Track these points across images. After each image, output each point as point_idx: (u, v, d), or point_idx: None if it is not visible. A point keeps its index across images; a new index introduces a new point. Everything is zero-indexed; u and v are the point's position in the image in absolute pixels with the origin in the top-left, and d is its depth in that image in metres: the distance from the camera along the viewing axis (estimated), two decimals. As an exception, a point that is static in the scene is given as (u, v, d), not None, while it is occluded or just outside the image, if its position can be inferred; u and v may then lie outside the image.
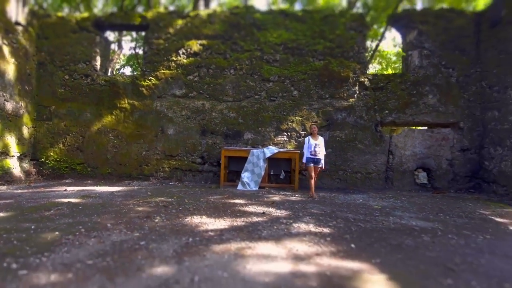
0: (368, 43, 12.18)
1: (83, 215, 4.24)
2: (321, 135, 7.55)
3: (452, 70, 8.26)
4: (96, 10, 17.76)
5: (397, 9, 11.95)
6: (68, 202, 5.16)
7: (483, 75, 8.03)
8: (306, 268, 2.60)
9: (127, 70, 19.06)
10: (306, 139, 6.49)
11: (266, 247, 3.12)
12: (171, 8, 20.34)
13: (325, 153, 6.54)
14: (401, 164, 8.26)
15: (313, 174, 6.32)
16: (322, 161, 6.39)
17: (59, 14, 8.92)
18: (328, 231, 3.83)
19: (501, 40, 7.51)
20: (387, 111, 8.29)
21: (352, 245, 3.28)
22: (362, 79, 8.34)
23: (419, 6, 20.33)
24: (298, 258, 2.83)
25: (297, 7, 20.12)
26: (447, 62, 8.27)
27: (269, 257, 2.82)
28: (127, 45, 19.29)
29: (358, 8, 16.24)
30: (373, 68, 17.40)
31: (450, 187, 8.09)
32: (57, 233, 3.42)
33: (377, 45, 13.09)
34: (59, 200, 5.32)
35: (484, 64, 8.02)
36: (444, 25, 8.39)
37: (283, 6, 17.45)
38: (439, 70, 8.27)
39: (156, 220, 4.06)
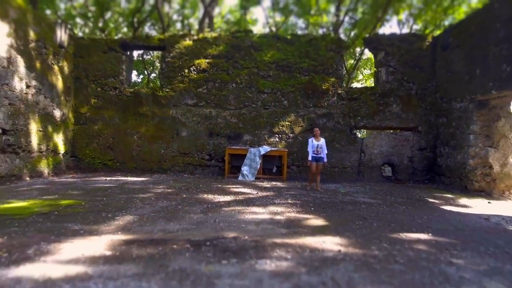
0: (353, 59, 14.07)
1: (132, 194, 6.03)
2: (308, 138, 9.34)
3: (412, 84, 10.05)
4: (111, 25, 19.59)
5: (375, 30, 13.81)
6: (116, 185, 6.96)
7: (437, 89, 9.82)
8: (279, 217, 4.41)
9: (133, 73, 20.83)
10: (310, 140, 7.70)
11: (257, 209, 4.94)
12: (178, 25, 22.16)
13: (326, 152, 8.01)
14: (371, 160, 10.06)
15: (314, 170, 7.56)
16: (325, 159, 7.89)
17: (92, 36, 10.70)
18: (299, 202, 5.64)
19: (448, 61, 9.29)
20: (359, 118, 10.08)
21: (312, 209, 5.09)
22: (340, 91, 10.13)
23: (395, 27, 22.38)
24: (275, 213, 4.64)
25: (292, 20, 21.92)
26: (408, 77, 10.06)
27: (258, 213, 4.63)
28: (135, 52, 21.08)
29: (345, 24, 18.08)
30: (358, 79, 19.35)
31: (409, 179, 9.89)
32: (122, 202, 5.22)
33: (358, 61, 14.90)
34: (107, 185, 7.12)
35: (438, 79, 9.81)
36: (406, 47, 10.17)
37: (274, 29, 19.30)
38: (401, 84, 10.06)
39: (184, 196, 5.87)
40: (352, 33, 19.60)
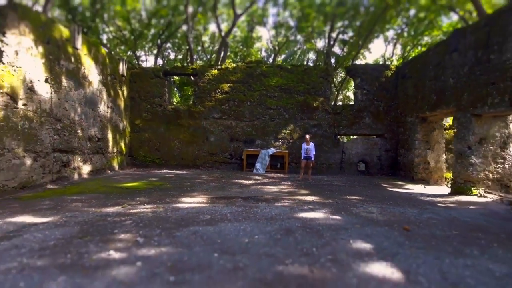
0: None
1: (186, 180, 9.26)
2: (301, 142, 12.51)
3: (380, 102, 13.23)
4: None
5: (358, 55, 17.05)
6: (173, 175, 10.19)
7: (398, 106, 12.99)
8: (283, 190, 7.66)
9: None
10: (303, 144, 11.03)
11: (270, 186, 8.19)
12: (199, 47, 25.33)
13: (314, 153, 11.11)
14: (350, 159, 13.27)
15: (303, 166, 10.90)
16: (312, 158, 11.00)
17: (143, 66, 13.92)
18: (295, 184, 8.89)
19: (405, 87, 12.45)
20: (341, 127, 13.27)
21: (302, 187, 8.34)
22: (327, 108, 13.33)
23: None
24: (281, 188, 7.89)
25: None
26: (377, 97, 13.24)
27: (271, 188, 7.88)
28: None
29: (334, 48, 21.25)
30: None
31: (378, 172, 13.08)
32: (188, 183, 8.45)
33: (342, 84, 18.10)
34: (167, 175, 10.35)
35: (398, 100, 12.98)
36: (376, 74, 13.35)
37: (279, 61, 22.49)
38: (372, 102, 13.25)
39: (223, 180, 9.12)
40: (342, 53, 22.89)
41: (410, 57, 21.00)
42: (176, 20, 20.96)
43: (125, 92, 13.04)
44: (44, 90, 7.62)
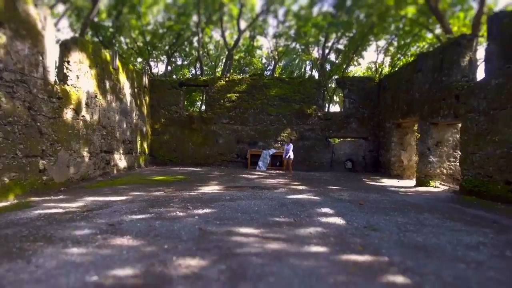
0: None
1: (203, 175, 11.28)
2: (287, 145, 14.53)
3: (365, 110, 15.23)
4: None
5: (349, 66, 19.07)
6: (190, 171, 12.22)
7: (379, 113, 14.99)
8: (281, 181, 9.71)
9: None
10: (285, 146, 13.23)
11: (270, 179, 10.24)
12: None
13: (292, 153, 13.20)
14: (338, 158, 15.28)
15: (285, 163, 12.96)
16: (291, 157, 13.07)
17: (161, 78, 15.94)
18: (291, 178, 10.92)
19: (385, 97, 14.42)
20: (331, 131, 15.28)
21: (296, 180, 10.37)
22: (319, 114, 15.33)
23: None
24: (280, 182, 9.94)
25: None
26: (363, 106, 15.24)
27: (271, 181, 9.92)
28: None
29: (328, 59, 23.22)
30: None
31: (362, 170, 15.08)
32: (204, 177, 10.48)
33: (335, 90, 20.12)
34: (185, 171, 12.37)
35: (380, 108, 14.97)
36: (362, 86, 15.35)
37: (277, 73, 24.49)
38: (358, 110, 15.25)
39: (232, 175, 11.15)
40: (338, 59, 24.94)
41: (398, 66, 23.07)
42: (185, 33, 23.02)
43: (147, 101, 15.07)
44: (95, 104, 9.65)
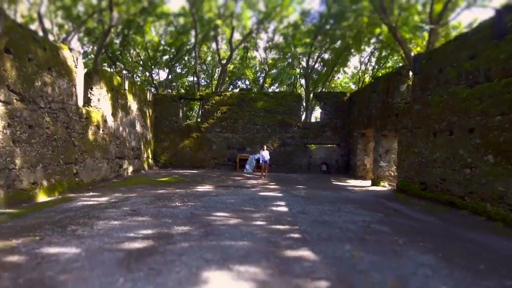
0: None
1: (198, 176, 13.48)
2: (270, 151, 16.73)
3: (338, 120, 17.46)
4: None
5: (333, 78, 21.32)
6: (188, 174, 14.40)
7: (350, 124, 17.22)
8: (260, 182, 11.93)
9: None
10: (261, 151, 15.39)
11: (253, 180, 12.46)
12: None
13: (269, 158, 15.35)
14: (315, 162, 17.50)
15: (263, 167, 15.15)
16: (268, 162, 15.23)
17: (163, 93, 18.13)
18: (269, 180, 13.13)
19: (354, 110, 16.64)
20: (309, 138, 17.50)
21: (274, 180, 12.58)
22: (299, 124, 17.55)
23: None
24: (259, 182, 12.17)
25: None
26: (336, 117, 17.47)
27: (252, 182, 12.14)
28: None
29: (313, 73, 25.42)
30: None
31: (335, 172, 17.29)
32: (200, 178, 12.68)
33: (314, 106, 22.36)
34: (183, 173, 14.55)
35: (350, 119, 17.20)
36: (335, 99, 17.58)
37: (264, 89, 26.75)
38: (332, 120, 17.48)
39: (222, 177, 13.37)
40: (322, 69, 27.22)
41: (377, 76, 25.35)
42: (184, 47, 25.20)
43: (151, 112, 17.25)
44: (111, 120, 11.83)
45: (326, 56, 25.56)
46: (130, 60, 26.91)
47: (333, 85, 31.94)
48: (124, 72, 15.82)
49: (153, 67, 25.90)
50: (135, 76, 28.73)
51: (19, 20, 17.49)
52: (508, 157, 5.97)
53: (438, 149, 8.27)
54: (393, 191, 10.72)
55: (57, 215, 5.89)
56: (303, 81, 29.72)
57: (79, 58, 9.62)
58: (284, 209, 6.96)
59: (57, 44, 8.83)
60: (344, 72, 30.39)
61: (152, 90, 27.81)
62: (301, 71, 25.53)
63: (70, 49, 9.27)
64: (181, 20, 22.33)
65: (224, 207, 7.00)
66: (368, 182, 13.69)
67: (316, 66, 26.02)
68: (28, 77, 7.32)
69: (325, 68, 23.84)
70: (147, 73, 27.06)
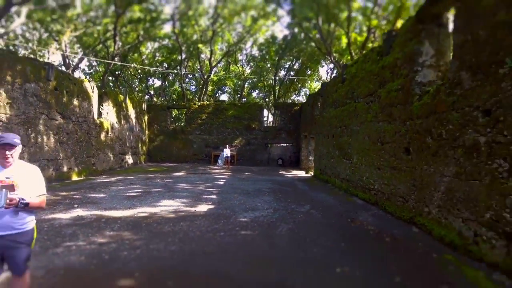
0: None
1: (177, 167, 17.74)
2: (232, 150, 21.02)
3: (291, 125, 21.80)
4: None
5: (291, 93, 25.72)
6: (174, 165, 18.66)
7: (300, 128, 21.55)
8: (222, 171, 16.25)
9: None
10: (224, 150, 19.71)
11: (218, 170, 16.77)
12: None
13: (230, 154, 19.70)
14: (273, 157, 21.83)
15: (227, 161, 19.42)
16: (230, 158, 19.53)
17: (155, 103, 22.30)
18: (230, 170, 17.46)
19: (302, 118, 20.97)
20: (268, 139, 21.82)
21: (230, 171, 16.90)
22: (260, 128, 21.86)
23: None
24: (222, 171, 16.47)
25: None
26: (289, 122, 21.80)
27: (217, 170, 16.45)
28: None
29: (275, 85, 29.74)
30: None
31: (289, 165, 21.63)
32: (179, 167, 16.93)
33: (274, 113, 26.73)
34: (168, 166, 18.80)
35: (300, 124, 21.54)
36: (289, 109, 21.91)
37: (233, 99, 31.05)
38: (286, 125, 21.81)
39: (198, 168, 17.66)
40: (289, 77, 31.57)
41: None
42: (174, 62, 29.33)
43: (145, 118, 21.42)
44: (116, 126, 16.01)
45: (292, 72, 30.00)
46: (129, 73, 30.94)
47: (303, 90, 36.54)
48: (123, 89, 19.88)
49: (148, 77, 29.97)
50: (133, 85, 32.84)
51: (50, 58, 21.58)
52: (343, 151, 10.33)
53: (324, 148, 12.66)
54: (312, 177, 15.10)
55: (88, 185, 10.17)
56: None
57: (94, 86, 13.81)
58: (221, 182, 11.29)
59: (81, 79, 13.02)
60: (310, 81, 34.84)
61: (147, 97, 32.12)
62: (272, 82, 29.85)
63: (89, 81, 13.45)
64: (171, 41, 26.47)
65: (186, 181, 11.32)
66: (304, 172, 18.07)
67: (284, 79, 30.35)
68: (65, 102, 11.52)
69: (288, 82, 28.22)
70: (143, 84, 31.13)
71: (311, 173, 16.48)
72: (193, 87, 35.07)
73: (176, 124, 29.47)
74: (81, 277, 3.38)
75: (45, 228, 5.00)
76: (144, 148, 21.07)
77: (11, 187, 2.17)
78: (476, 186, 3.99)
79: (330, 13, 16.18)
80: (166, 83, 33.16)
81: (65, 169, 11.36)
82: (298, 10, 17.52)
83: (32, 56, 20.35)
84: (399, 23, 14.02)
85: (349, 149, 9.48)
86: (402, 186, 6.04)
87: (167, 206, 6.93)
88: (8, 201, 2.10)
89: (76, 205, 6.82)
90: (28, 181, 2.33)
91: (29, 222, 2.40)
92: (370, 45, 18.30)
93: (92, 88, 13.55)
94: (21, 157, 2.76)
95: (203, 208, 6.87)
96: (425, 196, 5.20)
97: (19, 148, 2.33)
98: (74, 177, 11.87)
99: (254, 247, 4.45)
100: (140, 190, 9.17)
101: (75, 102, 12.19)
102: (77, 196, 7.96)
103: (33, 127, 9.69)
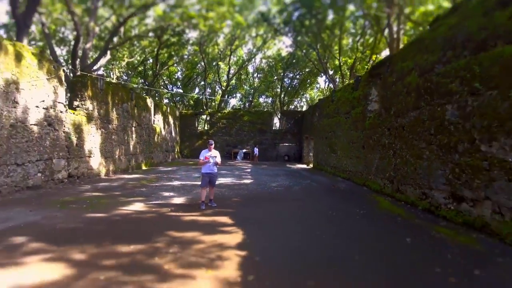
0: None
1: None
2: (247, 149, 25.55)
3: (295, 128, 26.29)
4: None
5: (291, 103, 30.32)
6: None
7: (303, 131, 26.02)
8: (246, 165, 20.83)
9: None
10: (255, 148, 24.27)
11: (240, 164, 21.35)
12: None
13: (218, 156, 24.21)
14: (281, 154, 26.36)
15: (255, 157, 24.00)
16: (257, 154, 24.06)
17: (185, 111, 26.95)
18: (251, 164, 22.05)
19: (304, 123, 25.43)
20: (277, 140, 26.32)
21: (252, 164, 21.48)
22: (270, 131, 26.39)
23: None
24: (246, 165, 21.05)
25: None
26: (294, 127, 26.29)
27: (243, 165, 21.05)
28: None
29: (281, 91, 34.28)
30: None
31: (294, 161, 26.10)
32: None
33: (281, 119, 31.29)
34: (196, 160, 23.37)
35: (303, 128, 26.02)
36: (294, 115, 26.41)
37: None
38: (292, 129, 26.31)
39: (190, 162, 22.28)
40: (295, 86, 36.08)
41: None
42: (196, 74, 33.95)
43: (178, 123, 26.03)
44: (162, 130, 20.62)
45: (295, 82, 34.52)
46: (161, 84, 35.54)
47: (306, 96, 41.07)
48: (166, 101, 24.48)
49: (172, 86, 34.67)
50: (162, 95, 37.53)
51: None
52: (332, 149, 14.81)
53: (320, 146, 17.18)
54: (312, 168, 19.62)
55: (160, 171, 14.77)
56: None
57: (152, 101, 18.45)
58: (249, 170, 15.85)
59: (146, 97, 17.67)
60: (311, 89, 39.32)
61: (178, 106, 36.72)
62: (279, 90, 34.40)
63: (149, 97, 18.11)
64: (195, 58, 31.08)
65: (223, 169, 15.88)
66: (309, 166, 22.61)
67: (289, 89, 34.88)
68: (139, 114, 16.14)
69: (293, 91, 32.81)
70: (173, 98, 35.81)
71: (311, 165, 21.01)
72: (219, 90, 39.81)
73: (202, 127, 34.13)
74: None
75: (173, 186, 9.60)
76: (178, 147, 25.70)
77: (214, 158, 6.77)
78: (385, 163, 8.52)
79: (325, 45, 20.72)
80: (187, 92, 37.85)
81: (139, 160, 15.99)
82: (300, 39, 22.06)
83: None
84: (373, 57, 18.59)
85: (335, 147, 14.01)
86: (360, 166, 10.58)
87: (225, 180, 11.50)
88: (214, 161, 6.71)
89: (173, 179, 11.40)
90: (216, 155, 6.92)
91: (217, 170, 7.00)
92: (358, 66, 22.87)
93: (150, 103, 18.17)
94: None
95: (247, 181, 11.43)
96: (369, 170, 9.73)
97: (213, 144, 6.92)
98: (143, 167, 16.47)
99: (281, 193, 9.00)
100: (197, 175, 13.73)
101: (143, 113, 16.81)
102: (165, 176, 12.54)
103: (126, 133, 14.32)
